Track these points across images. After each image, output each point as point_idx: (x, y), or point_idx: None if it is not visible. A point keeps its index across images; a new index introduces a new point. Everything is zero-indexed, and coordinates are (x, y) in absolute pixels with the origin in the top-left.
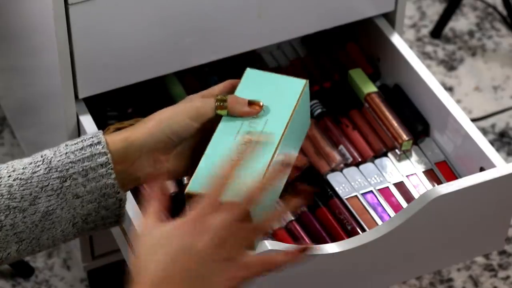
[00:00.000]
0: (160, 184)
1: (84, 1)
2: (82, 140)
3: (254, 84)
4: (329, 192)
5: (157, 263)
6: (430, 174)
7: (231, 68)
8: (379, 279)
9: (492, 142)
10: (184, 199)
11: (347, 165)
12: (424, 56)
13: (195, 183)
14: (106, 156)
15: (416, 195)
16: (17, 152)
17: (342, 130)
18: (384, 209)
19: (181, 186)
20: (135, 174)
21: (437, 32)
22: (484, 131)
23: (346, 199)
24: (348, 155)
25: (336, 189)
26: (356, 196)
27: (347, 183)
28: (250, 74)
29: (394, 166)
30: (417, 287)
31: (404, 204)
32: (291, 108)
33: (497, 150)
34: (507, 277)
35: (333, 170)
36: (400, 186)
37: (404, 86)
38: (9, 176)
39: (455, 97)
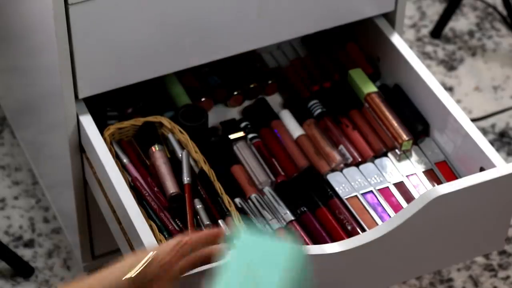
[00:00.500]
0: None
1: (84, 1)
2: None
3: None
4: (329, 192)
5: None
6: (430, 174)
7: (231, 68)
8: (379, 279)
9: (492, 142)
10: (183, 199)
11: (347, 165)
12: (424, 56)
13: None
14: None
15: (416, 195)
16: (17, 152)
17: (342, 130)
18: (384, 209)
19: (181, 185)
20: None
21: (437, 32)
22: (484, 131)
23: (346, 199)
24: (348, 155)
25: (336, 189)
26: (356, 196)
27: (347, 183)
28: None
29: (394, 166)
30: (417, 287)
31: (404, 204)
32: None
33: (497, 150)
34: (507, 277)
35: (333, 170)
36: (400, 186)
37: (404, 86)
38: None
39: (455, 97)
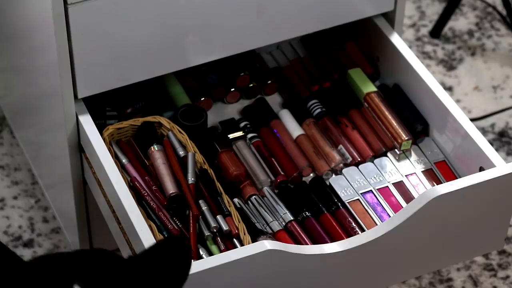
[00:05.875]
0: None
1: (84, 1)
2: None
3: None
4: (335, 203)
5: None
6: (430, 174)
7: (229, 67)
8: (379, 279)
9: (491, 142)
10: (183, 200)
11: (346, 165)
12: (424, 55)
13: None
14: None
15: (415, 194)
16: (16, 152)
17: (342, 130)
18: (383, 208)
19: (180, 187)
20: None
21: (436, 32)
22: (483, 131)
23: (348, 202)
24: (347, 155)
25: (339, 193)
26: (358, 200)
27: (349, 186)
28: None
29: (394, 165)
30: (417, 287)
31: (403, 203)
32: None
33: (497, 149)
34: (507, 277)
35: (332, 170)
36: (399, 185)
37: (403, 85)
38: None
39: (455, 97)
